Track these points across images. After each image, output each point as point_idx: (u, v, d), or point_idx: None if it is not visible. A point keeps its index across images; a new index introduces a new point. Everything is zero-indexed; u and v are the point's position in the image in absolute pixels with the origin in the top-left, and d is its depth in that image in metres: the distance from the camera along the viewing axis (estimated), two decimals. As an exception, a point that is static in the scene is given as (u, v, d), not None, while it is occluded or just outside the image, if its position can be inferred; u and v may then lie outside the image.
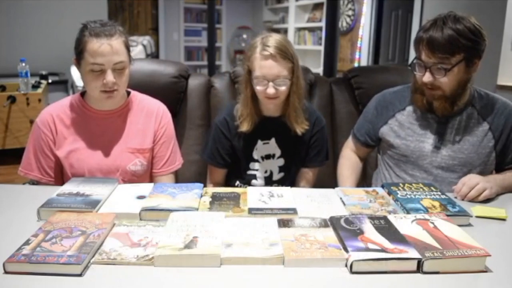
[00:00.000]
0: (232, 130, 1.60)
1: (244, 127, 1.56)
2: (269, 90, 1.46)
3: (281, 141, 1.61)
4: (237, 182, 1.64)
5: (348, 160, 1.75)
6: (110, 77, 1.38)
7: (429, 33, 1.39)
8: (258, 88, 1.49)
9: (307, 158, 1.65)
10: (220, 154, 1.61)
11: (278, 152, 1.61)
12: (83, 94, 1.53)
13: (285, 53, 1.46)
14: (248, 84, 1.53)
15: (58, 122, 1.48)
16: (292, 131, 1.58)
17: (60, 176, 1.51)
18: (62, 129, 1.48)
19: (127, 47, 1.44)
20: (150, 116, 1.55)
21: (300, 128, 1.57)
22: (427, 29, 1.41)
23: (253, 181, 1.62)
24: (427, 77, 1.43)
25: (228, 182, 1.67)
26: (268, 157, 1.61)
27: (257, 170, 1.61)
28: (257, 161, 1.61)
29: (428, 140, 1.54)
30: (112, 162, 1.48)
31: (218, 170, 1.65)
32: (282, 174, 1.62)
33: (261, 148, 1.61)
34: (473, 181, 1.35)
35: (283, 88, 1.48)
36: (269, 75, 1.45)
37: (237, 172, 1.64)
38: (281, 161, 1.61)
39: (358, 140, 1.72)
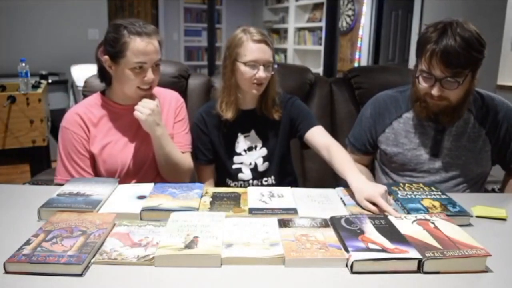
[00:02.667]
0: (209, 125, 1.63)
1: (229, 115, 1.56)
2: (260, 74, 1.48)
3: (261, 132, 1.63)
4: (228, 180, 1.65)
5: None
6: (151, 75, 1.43)
7: (442, 46, 1.31)
8: (248, 73, 1.49)
9: (300, 126, 1.61)
10: (201, 150, 1.63)
11: (259, 143, 1.63)
12: (102, 92, 1.55)
13: (270, 40, 1.53)
14: (233, 74, 1.54)
15: (86, 120, 1.48)
16: (270, 119, 1.60)
17: (96, 174, 1.51)
18: (91, 127, 1.49)
19: (161, 45, 1.47)
20: (168, 104, 1.59)
21: (278, 114, 1.60)
22: (435, 40, 1.32)
23: (240, 175, 1.63)
24: (436, 91, 1.37)
25: (218, 181, 1.68)
26: (250, 149, 1.63)
27: (241, 163, 1.63)
28: (240, 154, 1.63)
29: (425, 149, 1.52)
30: (143, 153, 1.51)
31: (204, 168, 1.66)
32: (266, 163, 1.63)
33: (242, 141, 1.63)
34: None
35: (270, 74, 1.52)
36: (261, 59, 1.49)
37: (223, 168, 1.65)
38: (263, 151, 1.63)
39: (359, 150, 1.67)
